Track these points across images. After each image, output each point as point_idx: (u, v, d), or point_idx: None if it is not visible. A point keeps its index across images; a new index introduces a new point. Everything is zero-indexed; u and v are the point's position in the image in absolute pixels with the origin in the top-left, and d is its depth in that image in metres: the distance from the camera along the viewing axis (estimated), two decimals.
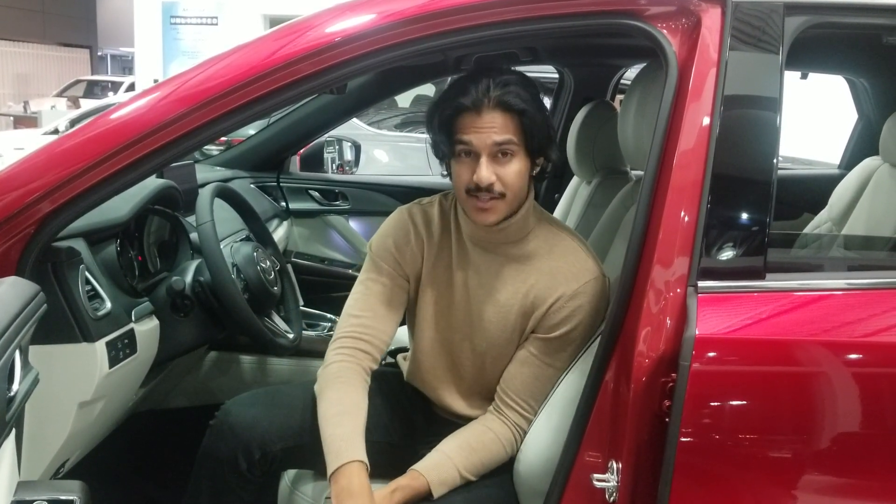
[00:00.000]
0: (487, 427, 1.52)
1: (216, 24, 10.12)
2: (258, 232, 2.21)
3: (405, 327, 1.71)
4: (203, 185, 2.15)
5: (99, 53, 21.22)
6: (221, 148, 3.18)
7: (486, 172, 1.41)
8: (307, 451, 1.56)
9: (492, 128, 1.40)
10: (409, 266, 1.60)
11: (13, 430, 0.99)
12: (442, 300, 1.59)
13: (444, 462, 1.46)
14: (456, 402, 1.63)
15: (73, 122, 8.45)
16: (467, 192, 1.45)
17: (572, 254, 1.52)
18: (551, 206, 2.59)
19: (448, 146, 1.45)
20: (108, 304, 1.53)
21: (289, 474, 1.66)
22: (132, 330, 1.60)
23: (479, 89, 1.41)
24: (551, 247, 1.53)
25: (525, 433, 1.49)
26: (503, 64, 1.55)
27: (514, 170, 1.43)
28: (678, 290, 1.20)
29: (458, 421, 1.59)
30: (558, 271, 1.50)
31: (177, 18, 10.23)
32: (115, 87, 14.97)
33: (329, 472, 1.40)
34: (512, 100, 1.40)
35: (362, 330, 1.56)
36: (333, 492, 1.38)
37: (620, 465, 1.21)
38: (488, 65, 1.50)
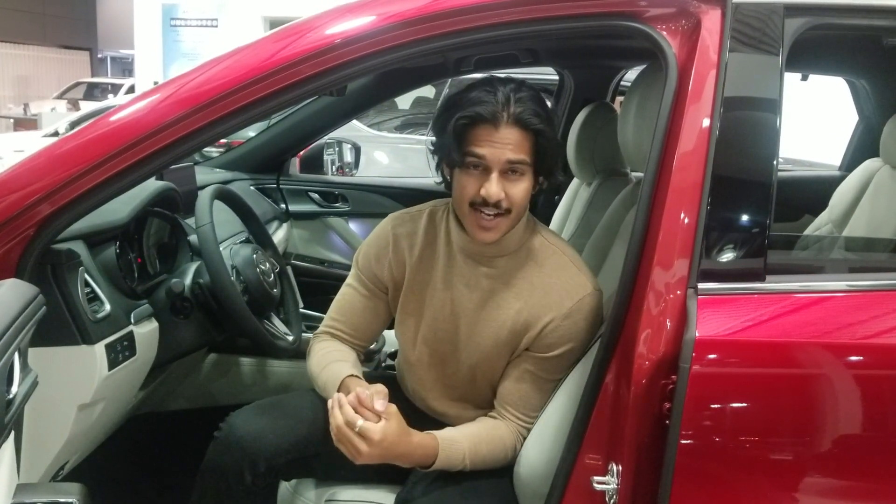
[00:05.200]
0: (497, 425, 1.51)
1: (216, 26, 10.11)
2: (258, 234, 2.21)
3: None
4: (202, 187, 2.15)
5: (99, 55, 21.20)
6: (221, 150, 3.17)
7: (496, 189, 1.38)
8: (312, 462, 1.55)
9: (507, 144, 1.37)
10: (388, 279, 1.60)
11: (12, 433, 0.98)
12: (428, 313, 1.57)
13: (458, 443, 1.45)
14: (448, 408, 1.61)
15: (73, 125, 8.47)
16: (471, 205, 1.42)
17: (564, 269, 1.49)
18: (552, 208, 2.58)
19: (458, 155, 1.41)
20: (108, 307, 1.53)
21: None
22: (131, 332, 1.60)
23: (498, 101, 1.37)
24: (543, 260, 1.51)
25: (524, 440, 1.49)
26: (507, 68, 1.54)
27: (522, 188, 1.41)
28: (678, 292, 1.19)
29: (455, 424, 1.58)
30: (550, 288, 1.48)
31: (177, 20, 10.22)
32: (115, 89, 14.95)
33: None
34: (530, 119, 1.37)
35: (344, 330, 1.65)
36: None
37: (621, 468, 1.21)
38: (504, 70, 1.48)
